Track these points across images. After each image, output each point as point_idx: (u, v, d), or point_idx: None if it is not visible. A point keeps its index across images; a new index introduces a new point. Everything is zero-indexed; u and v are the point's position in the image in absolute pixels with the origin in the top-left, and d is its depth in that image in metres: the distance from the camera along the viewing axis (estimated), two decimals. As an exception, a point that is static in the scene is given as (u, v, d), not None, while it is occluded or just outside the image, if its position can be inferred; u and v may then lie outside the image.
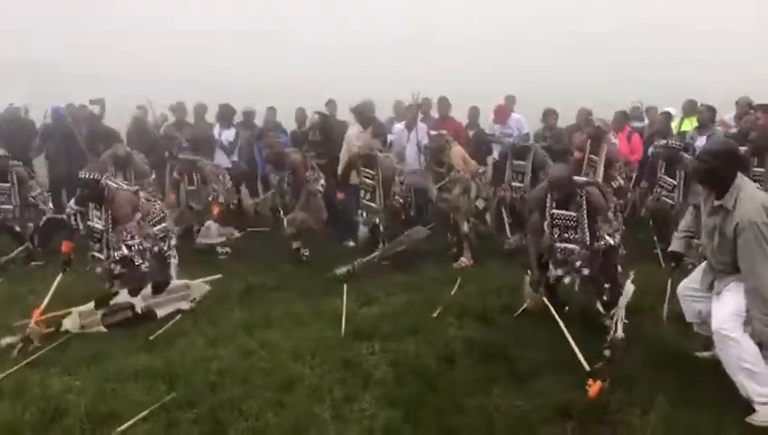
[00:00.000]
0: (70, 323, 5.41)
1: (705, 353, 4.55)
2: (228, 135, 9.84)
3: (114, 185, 6.00)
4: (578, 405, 3.99)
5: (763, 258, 3.72)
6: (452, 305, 5.86)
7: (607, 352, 4.68)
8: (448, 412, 3.97)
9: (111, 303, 5.59)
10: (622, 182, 7.93)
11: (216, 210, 8.10)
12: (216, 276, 6.40)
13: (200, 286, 6.18)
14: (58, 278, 5.74)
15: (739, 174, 3.93)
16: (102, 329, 5.45)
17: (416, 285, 6.62)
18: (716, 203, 3.92)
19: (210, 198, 8.18)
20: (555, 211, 5.40)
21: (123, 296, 5.65)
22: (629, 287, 5.23)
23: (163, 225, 6.29)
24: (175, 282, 6.06)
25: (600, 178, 7.41)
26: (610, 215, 5.34)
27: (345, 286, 6.20)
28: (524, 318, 5.52)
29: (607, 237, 5.20)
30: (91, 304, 5.54)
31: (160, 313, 5.75)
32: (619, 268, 5.39)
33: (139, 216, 5.99)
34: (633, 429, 3.79)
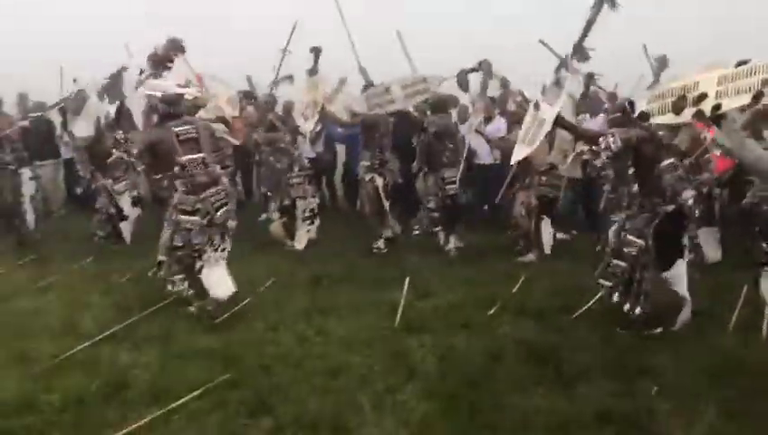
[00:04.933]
0: None
1: None
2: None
3: None
4: (621, 411, 3.92)
5: None
6: (510, 303, 5.86)
7: None
8: (486, 410, 3.99)
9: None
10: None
11: None
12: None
13: None
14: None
15: None
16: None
17: (477, 281, 6.64)
18: None
19: None
20: None
21: None
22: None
23: None
24: None
25: None
26: None
27: (408, 279, 6.30)
28: (582, 320, 5.45)
29: None
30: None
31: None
32: None
33: None
34: (676, 439, 3.69)
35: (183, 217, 5.62)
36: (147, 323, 5.44)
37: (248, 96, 9.23)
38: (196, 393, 4.19)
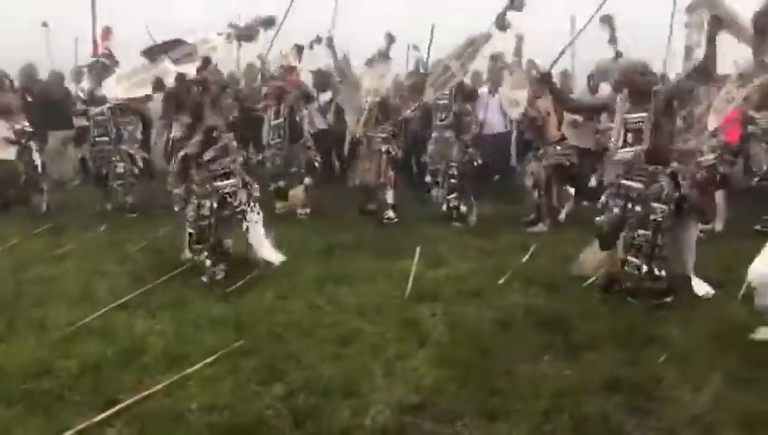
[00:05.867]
0: None
1: None
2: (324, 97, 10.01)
3: None
4: (629, 379, 3.96)
5: None
6: (521, 272, 5.89)
7: None
8: (496, 376, 4.04)
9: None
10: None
11: None
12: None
13: None
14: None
15: None
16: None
17: (488, 250, 6.68)
18: None
19: None
20: None
21: None
22: None
23: None
24: None
25: None
26: None
27: (419, 248, 6.35)
28: (593, 289, 5.47)
29: None
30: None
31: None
32: None
33: None
34: (682, 405, 3.71)
35: (219, 183, 5.73)
36: (161, 292, 5.51)
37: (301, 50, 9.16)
38: (209, 360, 4.26)
